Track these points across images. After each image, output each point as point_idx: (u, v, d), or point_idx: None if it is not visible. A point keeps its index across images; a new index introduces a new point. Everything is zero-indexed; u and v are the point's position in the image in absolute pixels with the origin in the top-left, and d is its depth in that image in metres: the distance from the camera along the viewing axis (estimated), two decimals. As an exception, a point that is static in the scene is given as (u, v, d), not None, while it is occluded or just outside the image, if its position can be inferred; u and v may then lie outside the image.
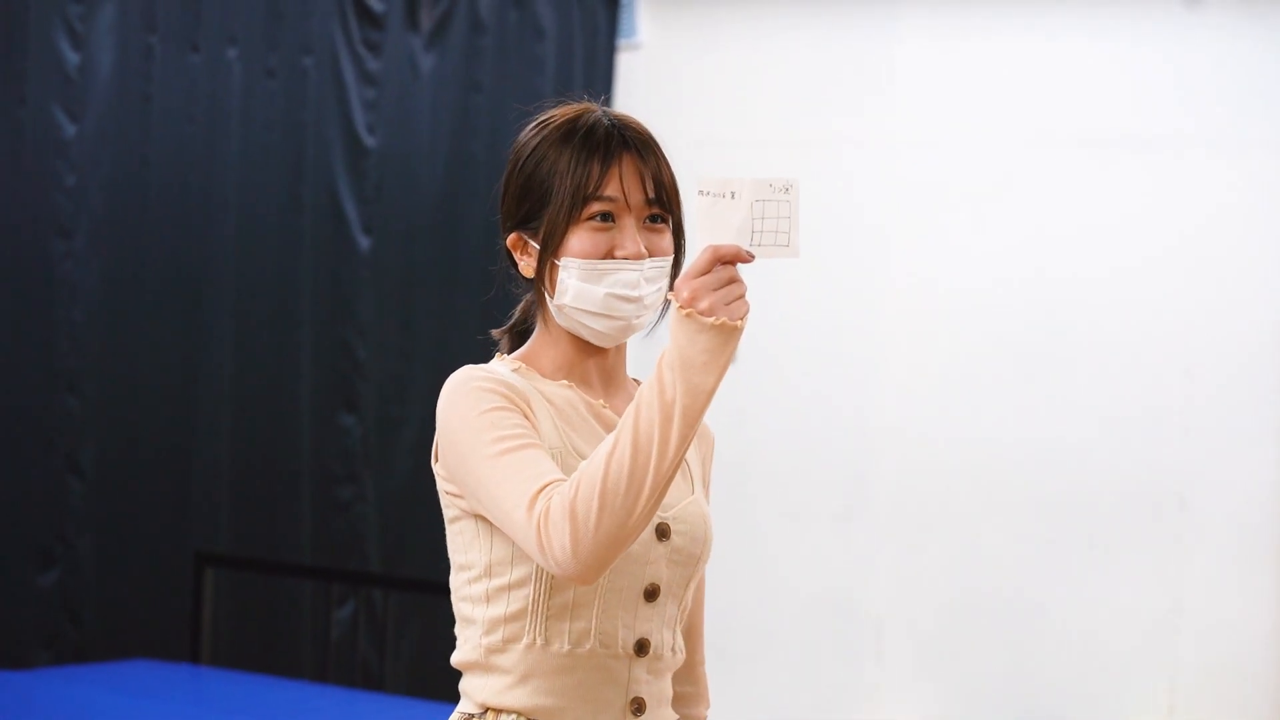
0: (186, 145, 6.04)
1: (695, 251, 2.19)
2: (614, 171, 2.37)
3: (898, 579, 6.74)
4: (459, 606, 2.40)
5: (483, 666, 2.37)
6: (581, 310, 2.36)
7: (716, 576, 6.78)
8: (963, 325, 6.67)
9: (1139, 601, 6.46)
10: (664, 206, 2.40)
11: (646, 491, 2.16)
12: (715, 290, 2.15)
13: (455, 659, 2.41)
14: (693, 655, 2.58)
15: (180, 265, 6.04)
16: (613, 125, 2.40)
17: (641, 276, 2.36)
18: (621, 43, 7.07)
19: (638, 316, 2.38)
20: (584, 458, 2.34)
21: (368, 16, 6.44)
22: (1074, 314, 6.54)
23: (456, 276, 6.62)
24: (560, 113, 2.43)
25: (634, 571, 2.36)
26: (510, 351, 2.49)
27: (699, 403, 2.16)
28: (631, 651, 2.37)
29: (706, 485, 2.55)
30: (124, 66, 5.86)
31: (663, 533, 2.38)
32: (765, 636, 6.90)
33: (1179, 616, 6.42)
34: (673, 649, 2.43)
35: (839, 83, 6.87)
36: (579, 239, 2.36)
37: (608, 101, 7.01)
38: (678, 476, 2.44)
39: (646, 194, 2.38)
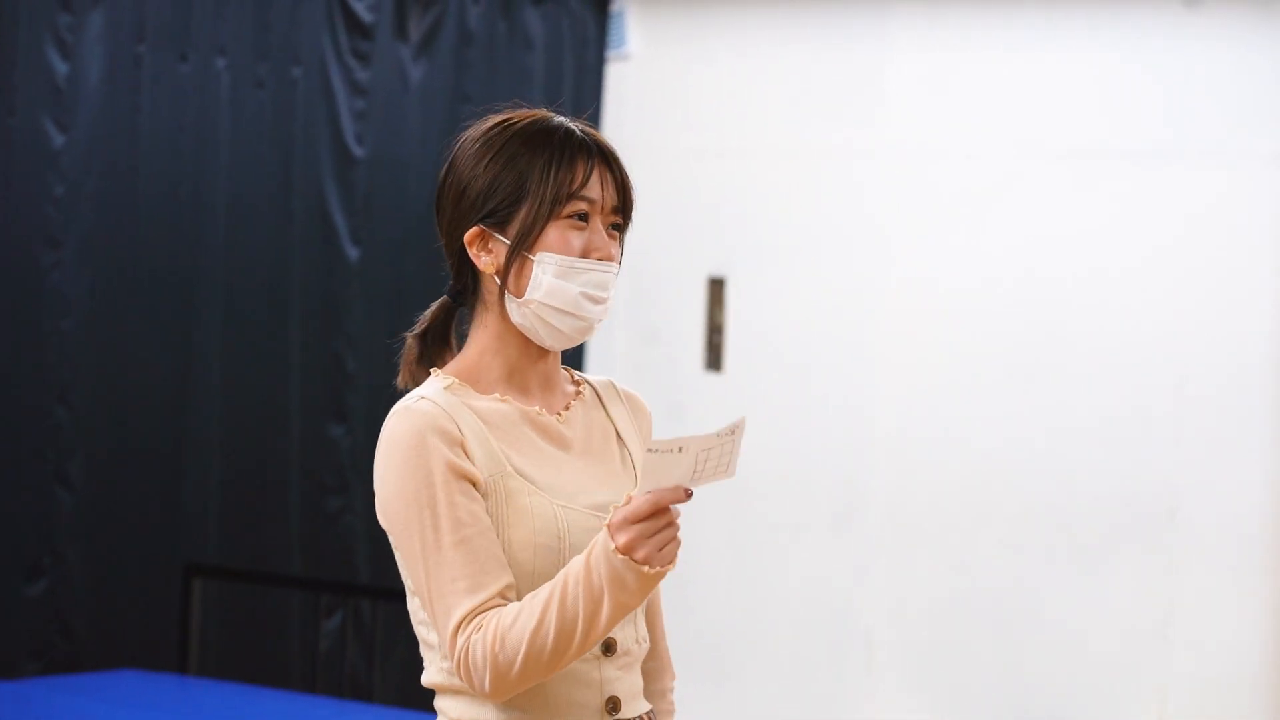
0: (176, 155, 6.04)
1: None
2: (595, 173, 2.41)
3: (888, 588, 6.74)
4: (417, 629, 2.42)
5: (450, 689, 2.39)
6: (550, 307, 2.38)
7: (707, 586, 6.80)
8: (956, 334, 6.67)
9: (1130, 611, 6.46)
10: (625, 215, 2.44)
11: (569, 658, 2.26)
12: (651, 538, 2.20)
13: (425, 681, 2.43)
14: (653, 633, 2.60)
15: (169, 275, 6.03)
16: (584, 131, 2.44)
17: (611, 279, 2.40)
18: (611, 53, 7.07)
19: (599, 319, 2.41)
20: (522, 474, 2.37)
21: (357, 27, 6.44)
22: (1066, 323, 6.55)
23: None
24: (519, 115, 2.46)
25: None
26: (420, 357, 2.52)
27: (625, 613, 2.24)
28: (599, 653, 2.39)
29: None
30: (113, 76, 5.86)
31: None
32: (755, 645, 6.90)
33: (1170, 626, 6.42)
34: (637, 640, 2.46)
35: (830, 93, 6.87)
36: (558, 235, 2.39)
37: (597, 113, 7.02)
38: (620, 473, 2.49)
39: (614, 201, 2.42)
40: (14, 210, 5.69)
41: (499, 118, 2.46)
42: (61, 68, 5.74)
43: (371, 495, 6.87)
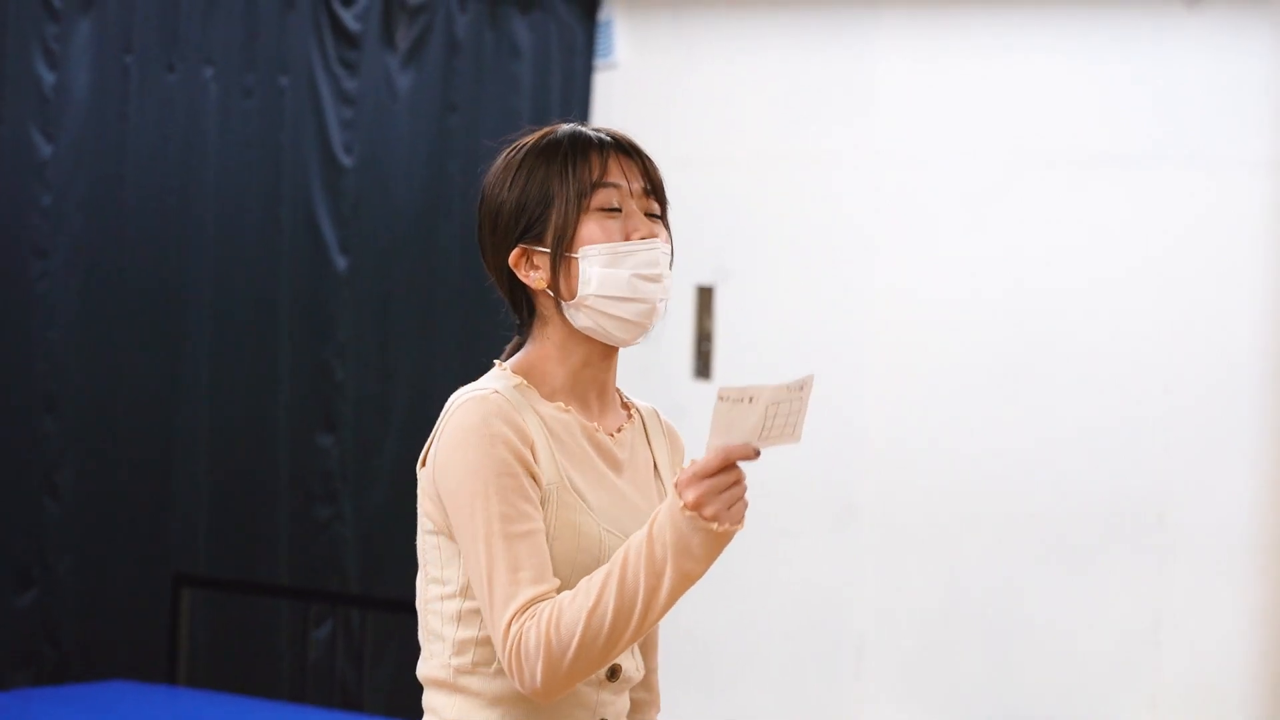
0: (163, 165, 6.03)
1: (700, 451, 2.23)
2: (611, 161, 2.40)
3: (879, 593, 6.74)
4: (427, 618, 2.40)
5: (450, 686, 2.37)
6: (607, 298, 2.36)
7: (697, 592, 6.79)
8: (945, 341, 6.68)
9: (1120, 615, 6.46)
10: (660, 199, 2.43)
11: (623, 644, 2.24)
12: (721, 494, 2.18)
13: (421, 673, 2.41)
14: (649, 663, 2.60)
15: (158, 285, 6.02)
16: (596, 129, 2.44)
17: (660, 255, 2.38)
18: (599, 62, 7.07)
19: (660, 299, 2.39)
20: (576, 490, 2.36)
21: (344, 36, 6.43)
22: (1055, 329, 6.55)
23: (434, 296, 6.61)
24: (532, 135, 2.45)
25: None
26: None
27: (686, 585, 2.22)
28: (604, 677, 2.40)
29: None
30: (100, 86, 5.85)
31: None
32: (746, 651, 6.90)
33: (1159, 631, 6.42)
34: (637, 668, 2.47)
35: (818, 100, 6.88)
36: (592, 227, 2.37)
37: (585, 121, 7.01)
38: (654, 496, 2.48)
39: (644, 184, 2.41)
40: (1, 220, 5.67)
41: (514, 144, 2.45)
42: (49, 77, 5.73)
43: (360, 505, 6.82)
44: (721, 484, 2.18)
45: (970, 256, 6.67)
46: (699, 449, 2.60)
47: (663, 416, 2.59)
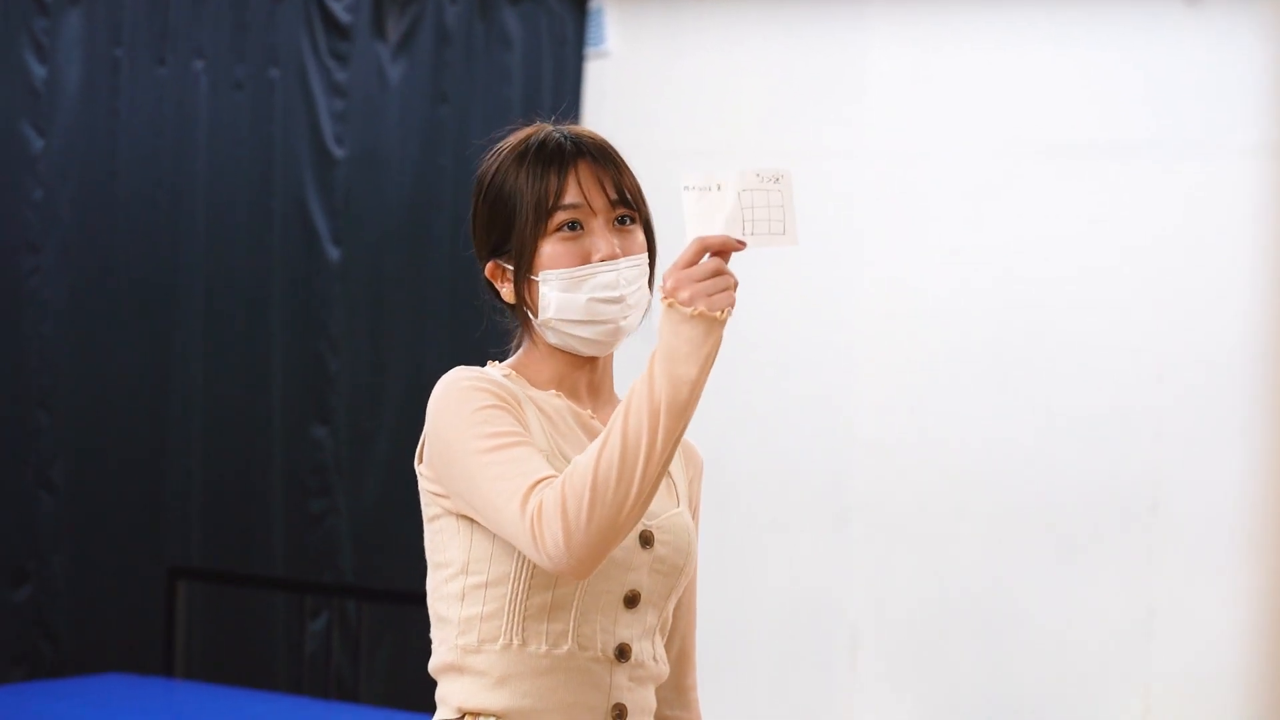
0: (154, 158, 6.03)
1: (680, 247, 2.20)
2: (571, 178, 2.38)
3: (872, 587, 6.75)
4: (435, 607, 2.39)
5: (458, 669, 2.36)
6: (567, 321, 2.37)
7: (691, 584, 6.79)
8: (937, 332, 6.68)
9: (1113, 606, 6.46)
10: (629, 206, 2.41)
11: (636, 486, 2.18)
12: (699, 281, 2.16)
13: (432, 665, 2.41)
14: (685, 679, 2.59)
15: (150, 278, 6.03)
16: (564, 136, 2.41)
17: (619, 276, 2.37)
18: (590, 52, 7.07)
19: (624, 317, 2.39)
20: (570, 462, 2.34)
21: (335, 27, 6.43)
22: (1047, 319, 6.55)
23: (426, 287, 6.61)
24: (513, 137, 2.44)
25: (616, 576, 2.36)
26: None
27: (683, 395, 2.18)
28: (612, 656, 2.37)
29: (694, 507, 2.55)
30: (91, 80, 5.85)
31: (646, 540, 2.38)
32: (739, 646, 6.90)
33: (1153, 620, 6.43)
34: (654, 658, 2.43)
35: (810, 90, 6.87)
36: (551, 251, 2.37)
37: (576, 111, 7.01)
38: (662, 489, 2.45)
39: (609, 196, 2.39)
40: (-7, 215, 5.68)
41: (497, 145, 2.45)
42: (39, 71, 5.73)
43: (355, 497, 6.81)
44: (699, 272, 2.17)
45: (962, 247, 6.67)
46: (702, 448, 2.60)
47: None
